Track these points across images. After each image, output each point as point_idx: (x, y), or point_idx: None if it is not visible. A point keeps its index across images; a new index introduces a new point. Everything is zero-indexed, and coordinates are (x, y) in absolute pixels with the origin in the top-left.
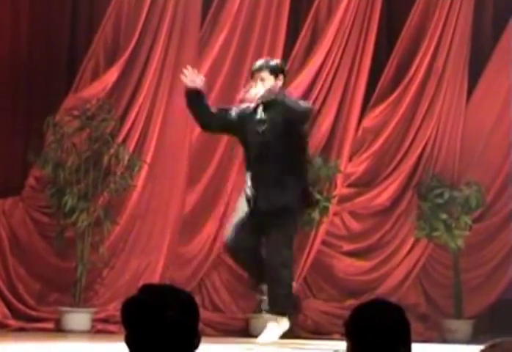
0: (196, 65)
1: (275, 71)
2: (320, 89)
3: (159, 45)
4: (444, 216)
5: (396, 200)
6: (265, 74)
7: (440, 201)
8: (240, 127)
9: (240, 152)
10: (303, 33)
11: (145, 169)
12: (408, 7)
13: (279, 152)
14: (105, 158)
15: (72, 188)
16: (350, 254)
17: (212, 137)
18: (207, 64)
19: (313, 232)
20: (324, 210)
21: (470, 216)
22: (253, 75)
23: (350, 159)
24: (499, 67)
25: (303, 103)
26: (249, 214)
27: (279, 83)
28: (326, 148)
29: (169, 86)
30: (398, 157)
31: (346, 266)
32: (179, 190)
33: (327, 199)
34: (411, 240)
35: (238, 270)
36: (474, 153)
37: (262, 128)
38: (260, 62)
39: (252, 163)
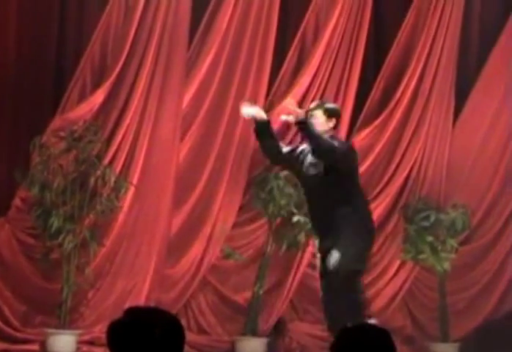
0: (183, 87)
1: (328, 112)
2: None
3: (146, 66)
4: (430, 239)
5: (382, 223)
6: (319, 112)
7: (426, 224)
8: (298, 168)
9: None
10: (290, 54)
11: (131, 190)
12: (395, 29)
13: (328, 192)
14: (92, 180)
15: (58, 209)
16: None
17: (199, 158)
18: (194, 86)
19: (299, 254)
20: (310, 232)
21: (456, 239)
22: (308, 112)
23: None
24: (486, 89)
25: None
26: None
27: (330, 125)
28: None
29: (156, 107)
30: (384, 179)
31: None
32: (165, 211)
33: None
34: (397, 263)
35: (223, 292)
36: (461, 176)
37: (313, 172)
38: (317, 102)
39: (309, 206)
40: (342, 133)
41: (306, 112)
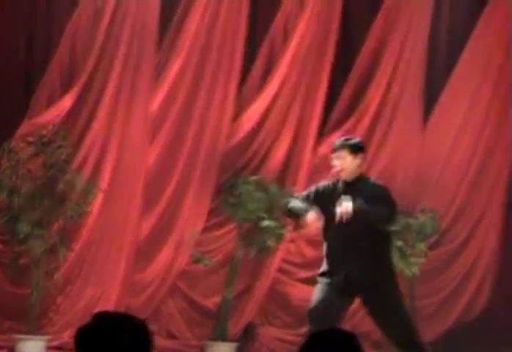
0: (152, 91)
1: (354, 150)
2: (276, 116)
3: (115, 70)
4: (399, 243)
5: None
6: (343, 152)
7: (395, 228)
8: (322, 203)
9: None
10: (259, 59)
11: (100, 195)
12: (364, 35)
13: (363, 229)
14: (61, 185)
15: (26, 214)
16: (306, 281)
17: (168, 162)
18: (163, 90)
19: (268, 260)
20: (279, 237)
21: (425, 243)
22: (333, 152)
23: (305, 186)
24: (455, 93)
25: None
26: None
27: (358, 161)
28: (282, 175)
29: (125, 112)
30: None
31: (301, 293)
32: (134, 216)
33: (283, 226)
34: None
35: (192, 297)
36: (430, 181)
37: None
38: (340, 141)
39: (334, 238)
40: (311, 137)
41: (332, 152)
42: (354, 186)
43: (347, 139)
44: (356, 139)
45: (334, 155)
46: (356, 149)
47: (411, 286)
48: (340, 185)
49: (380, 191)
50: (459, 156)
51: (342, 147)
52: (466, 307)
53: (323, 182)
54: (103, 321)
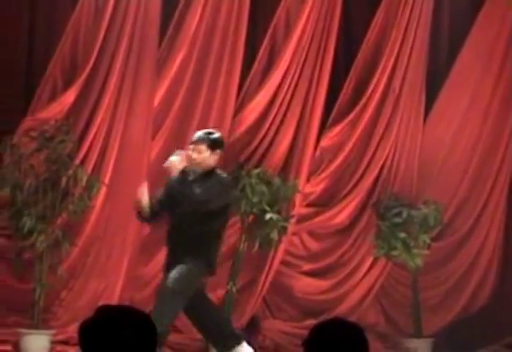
0: (154, 86)
1: (212, 145)
2: (279, 109)
3: (117, 65)
4: (402, 235)
5: (354, 220)
6: (203, 147)
7: (398, 220)
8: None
9: None
10: (261, 53)
11: (103, 189)
12: (366, 28)
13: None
14: (64, 179)
15: (30, 209)
16: (309, 273)
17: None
18: (165, 85)
19: (272, 252)
20: (283, 230)
21: (428, 235)
22: (191, 144)
23: (308, 179)
24: (457, 85)
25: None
26: None
27: (216, 157)
28: (285, 168)
29: (127, 106)
30: (356, 176)
31: (305, 286)
32: None
33: (286, 219)
34: (370, 260)
35: None
36: (432, 172)
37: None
38: (199, 134)
39: (172, 231)
40: (314, 130)
41: (190, 144)
42: (205, 177)
43: (208, 133)
44: (216, 134)
45: (191, 147)
46: (215, 145)
47: (414, 278)
48: (190, 175)
49: (222, 182)
50: (462, 147)
51: (203, 140)
52: (470, 299)
53: (172, 178)
54: (107, 315)
